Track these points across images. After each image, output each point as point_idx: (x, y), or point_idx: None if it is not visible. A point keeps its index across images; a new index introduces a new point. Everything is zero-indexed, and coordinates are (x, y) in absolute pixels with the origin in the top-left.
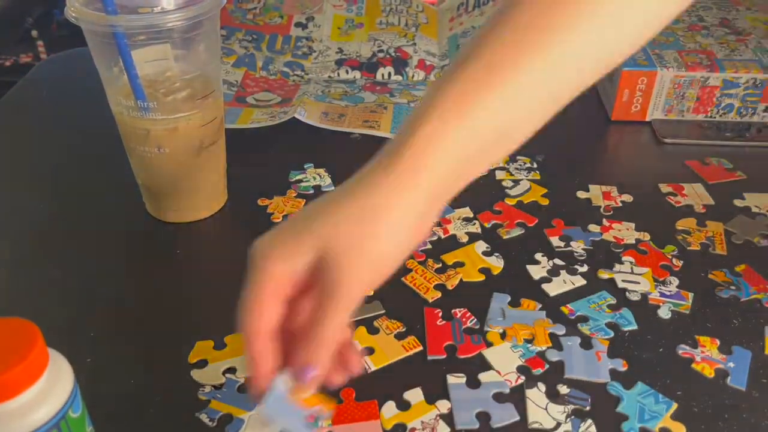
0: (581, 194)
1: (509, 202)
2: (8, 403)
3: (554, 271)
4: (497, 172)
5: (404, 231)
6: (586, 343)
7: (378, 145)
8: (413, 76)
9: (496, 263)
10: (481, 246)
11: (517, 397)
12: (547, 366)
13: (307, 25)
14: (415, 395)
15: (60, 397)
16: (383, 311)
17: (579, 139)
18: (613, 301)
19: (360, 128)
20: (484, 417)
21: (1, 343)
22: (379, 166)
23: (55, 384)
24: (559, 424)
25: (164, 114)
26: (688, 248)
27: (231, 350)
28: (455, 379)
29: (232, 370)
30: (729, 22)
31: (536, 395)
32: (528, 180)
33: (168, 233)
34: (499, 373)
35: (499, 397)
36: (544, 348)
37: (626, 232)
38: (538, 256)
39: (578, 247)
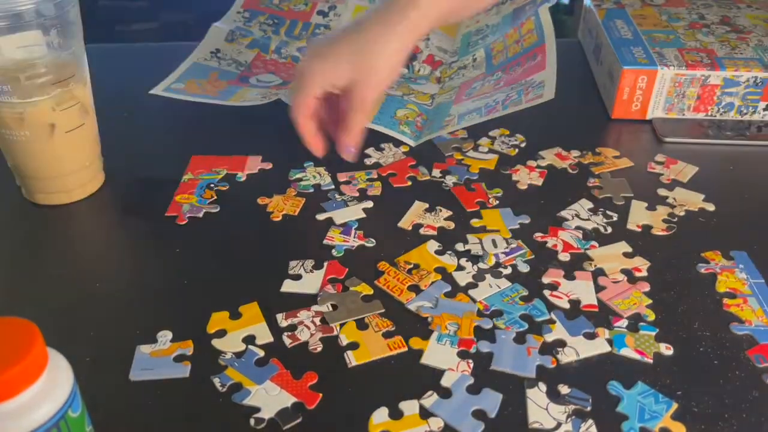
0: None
1: (457, 156)
2: (8, 402)
3: (479, 276)
4: (484, 138)
5: (395, 64)
6: (520, 338)
7: (377, 143)
8: (419, 70)
9: (450, 261)
10: (432, 245)
11: (482, 379)
12: (473, 351)
13: (328, 13)
14: (410, 407)
15: (59, 396)
16: (383, 310)
17: (579, 137)
18: (525, 292)
19: None
20: (480, 415)
21: (1, 343)
22: (378, 18)
23: (54, 384)
24: (559, 424)
25: (20, 98)
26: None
27: (246, 319)
28: (428, 400)
29: (251, 338)
30: (730, 20)
31: (537, 395)
32: (502, 153)
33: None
34: (452, 369)
35: (472, 389)
36: (468, 337)
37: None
38: (463, 261)
39: (450, 180)
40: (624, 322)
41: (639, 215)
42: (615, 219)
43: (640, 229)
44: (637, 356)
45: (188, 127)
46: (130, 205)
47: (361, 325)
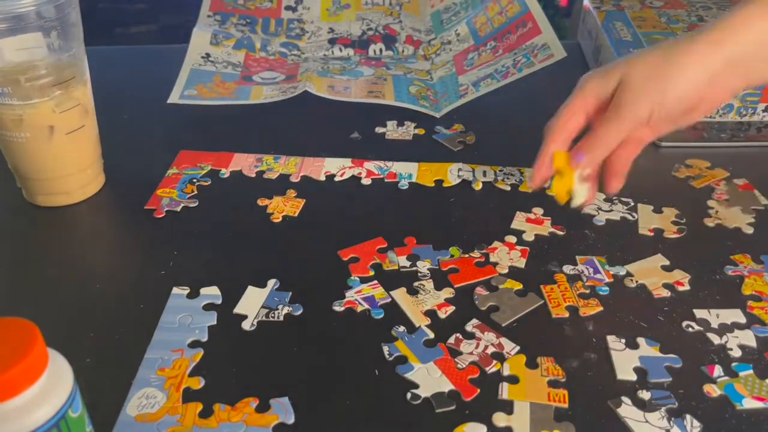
0: None
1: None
2: (8, 402)
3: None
4: (487, 174)
5: (692, 83)
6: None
7: (376, 144)
8: (403, 51)
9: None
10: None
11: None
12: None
13: (297, 8)
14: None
15: (60, 396)
16: (542, 301)
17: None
18: None
19: (366, 98)
20: None
21: (1, 343)
22: (688, 35)
23: (54, 384)
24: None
25: (20, 100)
26: None
27: None
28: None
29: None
30: None
31: (629, 411)
32: (503, 185)
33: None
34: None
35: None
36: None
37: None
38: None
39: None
40: (719, 370)
41: (648, 219)
42: (632, 204)
43: (652, 234)
44: (760, 404)
45: (189, 128)
46: (130, 206)
47: (531, 363)
